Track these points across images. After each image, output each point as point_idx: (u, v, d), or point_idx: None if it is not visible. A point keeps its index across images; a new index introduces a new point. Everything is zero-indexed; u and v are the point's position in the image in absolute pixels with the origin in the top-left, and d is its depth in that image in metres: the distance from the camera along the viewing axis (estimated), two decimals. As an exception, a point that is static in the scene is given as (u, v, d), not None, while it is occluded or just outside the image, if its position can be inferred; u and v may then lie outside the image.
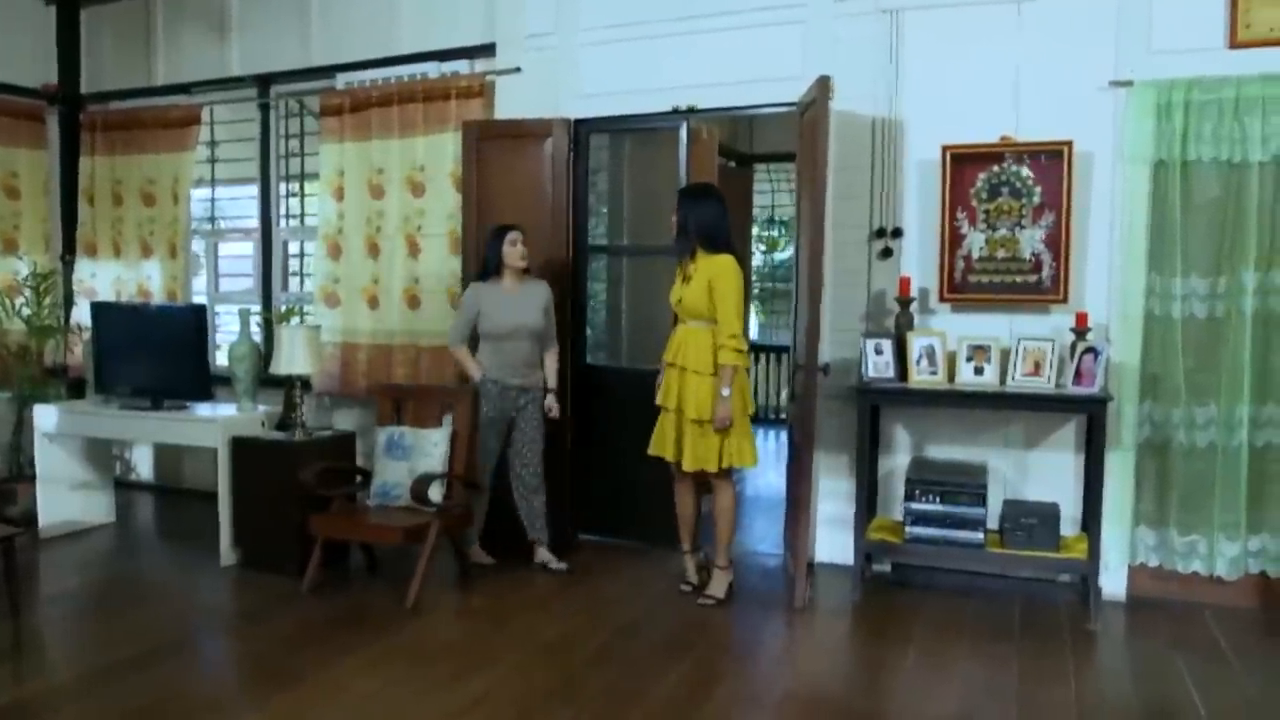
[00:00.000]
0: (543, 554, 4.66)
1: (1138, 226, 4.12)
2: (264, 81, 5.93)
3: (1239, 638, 3.88)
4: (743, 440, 4.12)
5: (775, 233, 12.56)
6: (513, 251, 4.52)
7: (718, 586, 4.24)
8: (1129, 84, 4.11)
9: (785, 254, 13.43)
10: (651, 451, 4.29)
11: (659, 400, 4.26)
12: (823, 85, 4.06)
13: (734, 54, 4.77)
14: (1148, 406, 4.19)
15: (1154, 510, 4.23)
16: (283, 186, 6.08)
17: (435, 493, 4.38)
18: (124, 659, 3.59)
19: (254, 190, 6.10)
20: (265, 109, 5.98)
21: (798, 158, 4.67)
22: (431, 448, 4.56)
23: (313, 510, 4.43)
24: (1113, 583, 4.22)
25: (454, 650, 3.73)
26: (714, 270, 4.06)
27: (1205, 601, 4.19)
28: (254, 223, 6.12)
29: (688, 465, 4.15)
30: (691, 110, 4.88)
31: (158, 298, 6.10)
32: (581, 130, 5.11)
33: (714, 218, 4.14)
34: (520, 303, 4.53)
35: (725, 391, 4.01)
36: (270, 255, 6.05)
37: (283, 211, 6.09)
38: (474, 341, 4.62)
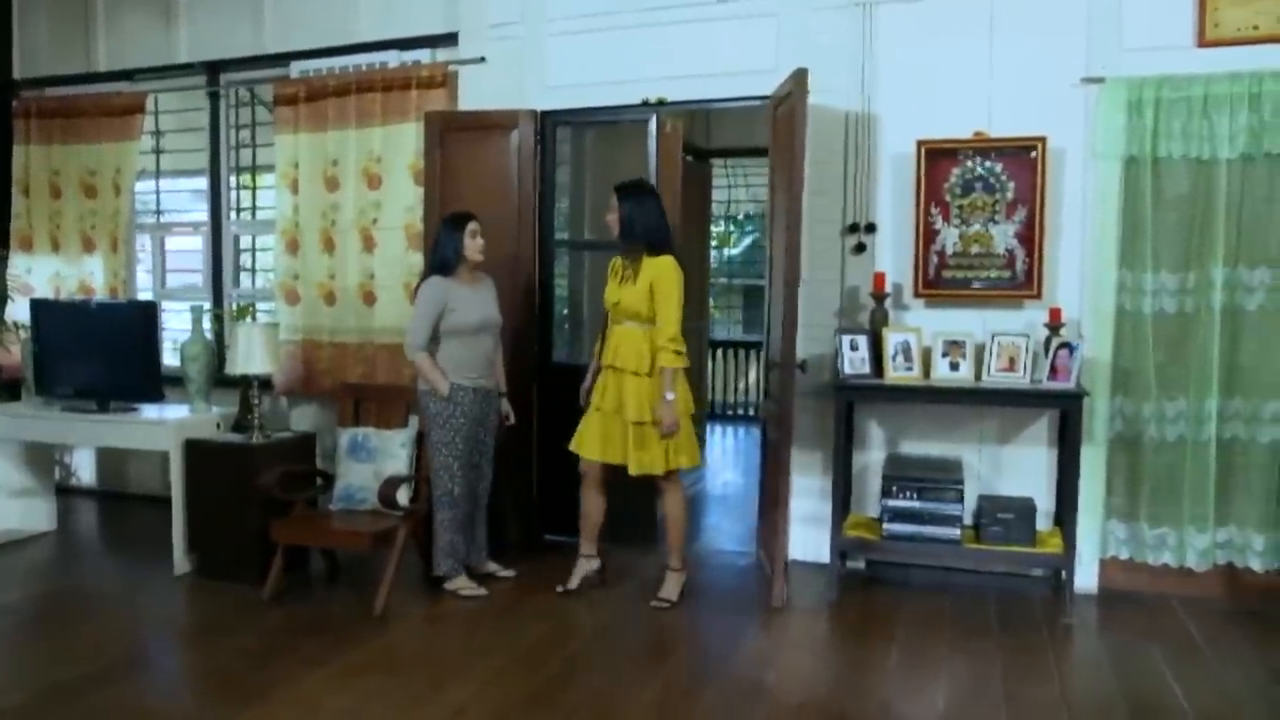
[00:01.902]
0: (489, 564, 4.51)
1: (1109, 222, 4.15)
2: (213, 69, 5.69)
3: (1210, 628, 3.92)
4: (686, 441, 4.07)
5: (728, 228, 12.56)
6: (474, 244, 4.24)
7: (672, 588, 4.18)
8: (1101, 81, 4.13)
9: (737, 250, 13.47)
10: (572, 447, 4.19)
11: (593, 401, 4.16)
12: (800, 78, 4.01)
13: (705, 46, 4.70)
14: (1119, 401, 4.22)
15: (1125, 504, 4.27)
16: (233, 179, 5.85)
17: (403, 496, 4.24)
18: (76, 677, 3.39)
19: (203, 183, 5.86)
20: (215, 98, 5.75)
21: (771, 152, 4.62)
22: (397, 449, 4.42)
23: (273, 515, 4.27)
24: (1084, 576, 4.24)
25: (427, 659, 3.61)
26: (656, 272, 4.00)
27: (1174, 593, 4.25)
28: (203, 216, 5.88)
29: (633, 470, 4.05)
30: (662, 103, 4.80)
31: (100, 294, 5.83)
32: (548, 122, 4.99)
33: (658, 217, 4.09)
34: (482, 297, 4.31)
35: (670, 396, 3.94)
36: (220, 250, 5.82)
37: (233, 205, 5.86)
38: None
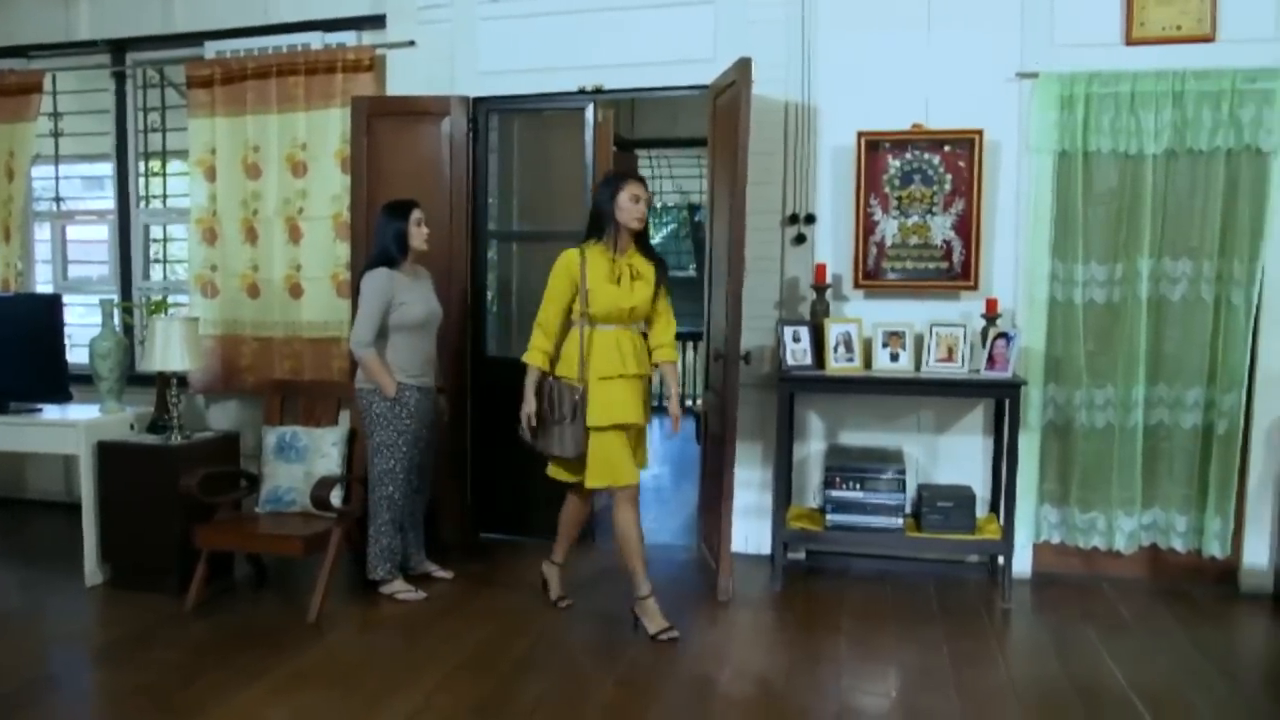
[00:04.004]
0: (427, 564, 4.38)
1: (1042, 215, 4.23)
2: (118, 47, 5.36)
3: (1138, 608, 4.06)
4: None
5: (650, 220, 12.52)
6: (419, 233, 4.06)
7: (659, 617, 3.74)
8: (1034, 76, 4.21)
9: (655, 241, 13.45)
10: (606, 482, 3.68)
11: (619, 418, 3.64)
12: (743, 68, 3.97)
13: (641, 34, 4.63)
14: (1051, 389, 4.32)
15: (1057, 489, 4.38)
16: (142, 165, 5.52)
17: (336, 497, 4.07)
18: (-14, 700, 3.15)
19: (108, 168, 5.52)
20: (120, 78, 5.41)
21: (711, 143, 4.58)
22: (329, 448, 4.25)
23: (195, 520, 4.05)
24: (1019, 560, 4.33)
25: (369, 668, 3.45)
26: (656, 271, 3.79)
27: (1104, 574, 4.38)
28: (109, 204, 5.54)
29: (633, 479, 3.71)
30: (599, 91, 4.71)
31: (-6, 286, 5.45)
32: (481, 109, 4.85)
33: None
34: (425, 290, 4.16)
35: (678, 391, 3.86)
36: (129, 240, 5.49)
37: (142, 192, 5.54)
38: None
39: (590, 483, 3.73)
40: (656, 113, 7.87)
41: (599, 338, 3.68)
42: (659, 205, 11.86)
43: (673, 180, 10.17)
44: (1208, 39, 4.09)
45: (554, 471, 3.88)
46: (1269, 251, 4.06)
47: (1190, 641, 3.70)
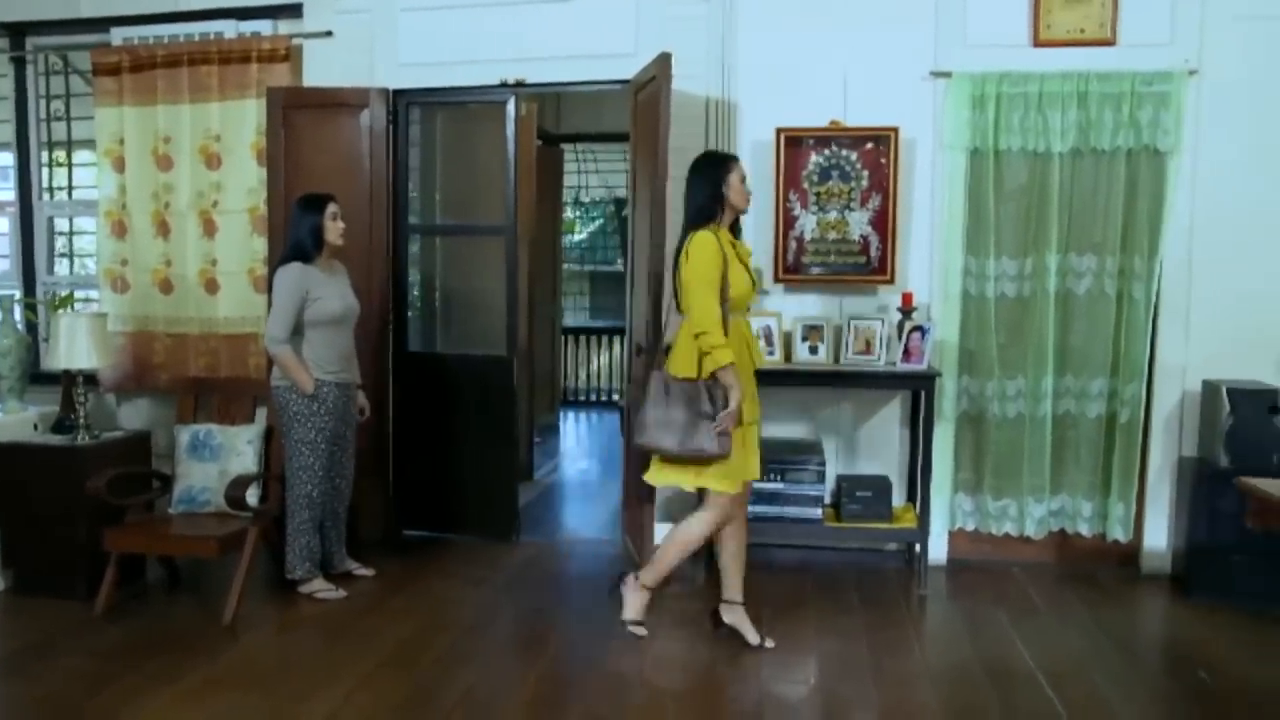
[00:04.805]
0: (348, 562, 4.32)
1: (955, 211, 4.35)
2: (17, 31, 5.15)
3: (1047, 592, 4.21)
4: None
5: (574, 214, 12.52)
6: (335, 227, 3.99)
7: (637, 606, 3.69)
8: (947, 75, 4.32)
9: (582, 235, 13.46)
10: (739, 484, 3.47)
11: (748, 418, 3.44)
12: (663, 63, 3.99)
13: (563, 28, 4.62)
14: (965, 380, 4.45)
15: (971, 478, 4.51)
16: (45, 154, 5.31)
17: (252, 496, 3.99)
18: (-123, 714, 3.02)
19: (8, 158, 5.31)
20: (20, 64, 5.20)
21: (632, 138, 4.59)
22: (244, 446, 4.16)
23: (104, 523, 3.92)
24: (934, 548, 4.44)
25: (287, 669, 3.40)
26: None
27: (1015, 560, 4.53)
28: (9, 195, 5.32)
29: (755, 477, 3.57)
30: (521, 84, 4.68)
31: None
32: (401, 102, 4.79)
33: None
34: (342, 284, 4.09)
35: None
36: (32, 233, 5.28)
37: (46, 183, 5.33)
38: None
39: (740, 484, 3.47)
40: (583, 107, 7.85)
41: (732, 329, 3.37)
42: (584, 201, 11.88)
43: (599, 175, 10.18)
44: (1109, 43, 4.25)
45: (732, 484, 3.43)
46: (1167, 248, 4.23)
47: (1094, 622, 3.85)
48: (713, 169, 3.48)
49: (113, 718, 3.00)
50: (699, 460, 3.37)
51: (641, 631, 3.64)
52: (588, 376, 9.77)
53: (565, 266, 11.90)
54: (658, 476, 3.56)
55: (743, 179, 3.50)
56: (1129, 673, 3.41)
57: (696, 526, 3.50)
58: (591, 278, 13.44)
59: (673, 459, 3.44)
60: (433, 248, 5.52)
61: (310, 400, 3.91)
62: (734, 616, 3.62)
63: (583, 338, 9.81)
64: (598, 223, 13.65)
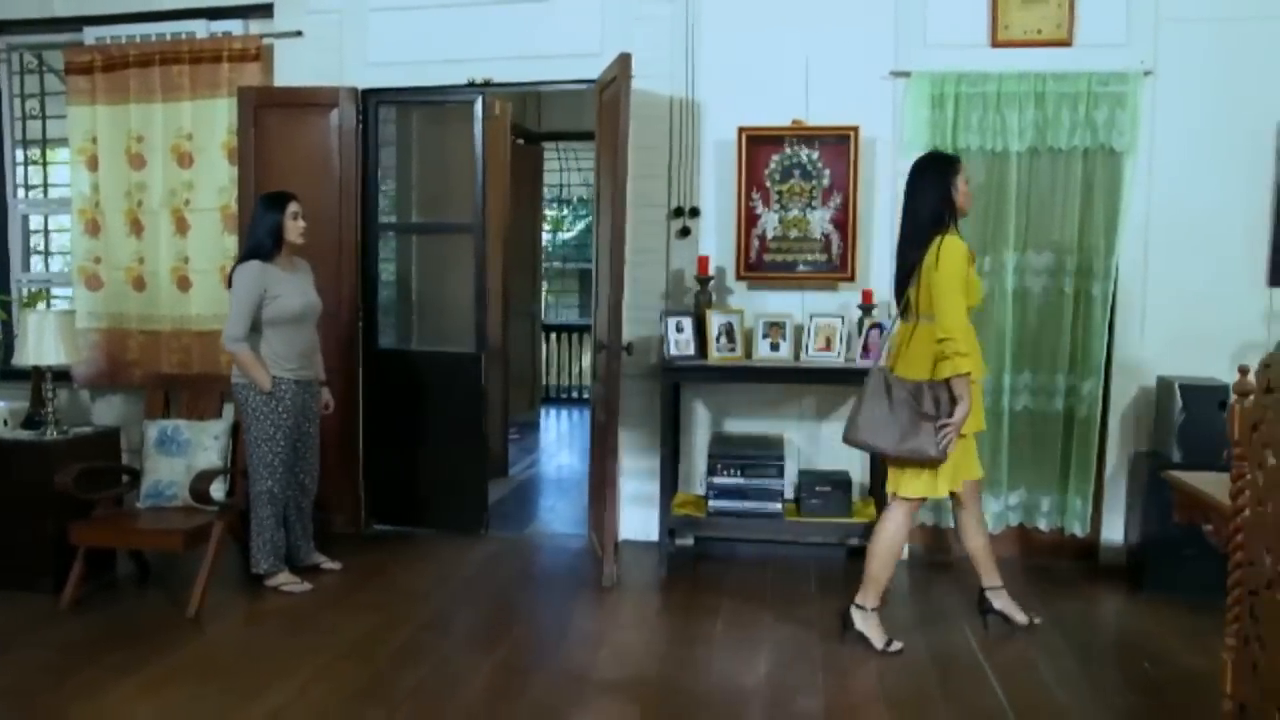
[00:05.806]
0: (315, 556, 4.37)
1: (915, 209, 4.39)
2: (-8, 31, 5.21)
3: (1006, 585, 4.24)
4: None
5: (561, 212, 12.54)
6: (295, 226, 4.03)
7: (873, 631, 3.58)
8: (907, 75, 4.37)
9: (570, 234, 13.48)
10: (956, 484, 3.51)
11: (976, 428, 3.53)
12: (624, 63, 4.04)
13: (531, 28, 4.67)
14: (925, 377, 4.49)
15: (931, 473, 4.55)
16: (19, 153, 5.36)
17: (218, 490, 4.04)
18: None
19: (-18, 157, 5.36)
20: (-6, 63, 5.26)
21: (597, 136, 4.64)
22: (211, 441, 4.21)
23: (72, 517, 3.97)
24: (896, 543, 4.50)
25: (248, 660, 3.46)
26: None
27: (974, 554, 4.57)
28: (-16, 193, 5.38)
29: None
30: (488, 84, 4.73)
31: None
32: (370, 101, 4.84)
33: None
34: (301, 282, 4.12)
35: None
36: (6, 231, 5.33)
37: (20, 181, 5.38)
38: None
39: (958, 483, 3.52)
40: (563, 105, 7.90)
41: (974, 341, 3.38)
42: (571, 199, 11.90)
43: (580, 173, 10.20)
44: (1065, 43, 4.30)
45: (944, 486, 3.47)
46: (1123, 246, 4.29)
47: (1047, 614, 3.89)
48: (939, 174, 3.43)
49: (66, 710, 3.04)
50: (915, 461, 3.37)
51: (897, 646, 3.53)
52: (580, 374, 9.81)
53: (554, 265, 11.97)
54: (912, 487, 3.45)
55: (967, 181, 3.49)
56: (1074, 664, 3.46)
57: (892, 529, 3.50)
58: (580, 275, 13.49)
59: (890, 460, 3.47)
60: (406, 246, 5.58)
61: (269, 397, 3.96)
62: (1001, 601, 3.79)
63: (573, 335, 9.85)
64: (585, 221, 13.68)
